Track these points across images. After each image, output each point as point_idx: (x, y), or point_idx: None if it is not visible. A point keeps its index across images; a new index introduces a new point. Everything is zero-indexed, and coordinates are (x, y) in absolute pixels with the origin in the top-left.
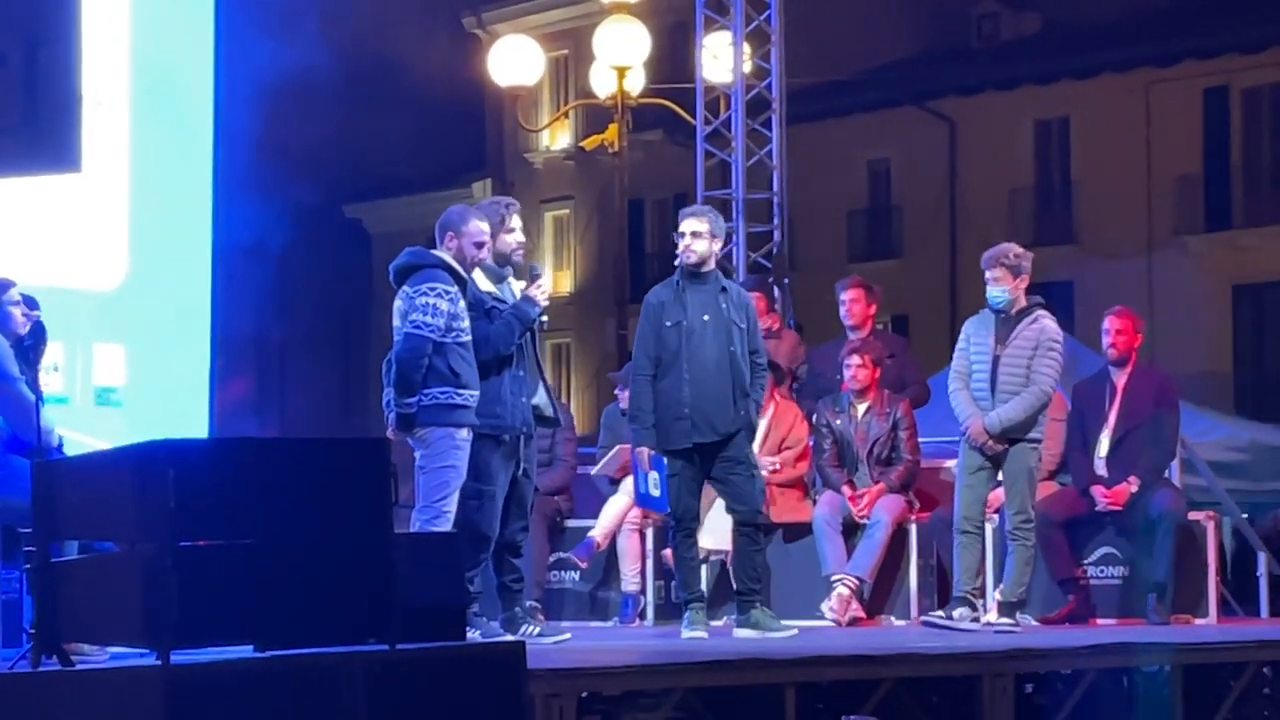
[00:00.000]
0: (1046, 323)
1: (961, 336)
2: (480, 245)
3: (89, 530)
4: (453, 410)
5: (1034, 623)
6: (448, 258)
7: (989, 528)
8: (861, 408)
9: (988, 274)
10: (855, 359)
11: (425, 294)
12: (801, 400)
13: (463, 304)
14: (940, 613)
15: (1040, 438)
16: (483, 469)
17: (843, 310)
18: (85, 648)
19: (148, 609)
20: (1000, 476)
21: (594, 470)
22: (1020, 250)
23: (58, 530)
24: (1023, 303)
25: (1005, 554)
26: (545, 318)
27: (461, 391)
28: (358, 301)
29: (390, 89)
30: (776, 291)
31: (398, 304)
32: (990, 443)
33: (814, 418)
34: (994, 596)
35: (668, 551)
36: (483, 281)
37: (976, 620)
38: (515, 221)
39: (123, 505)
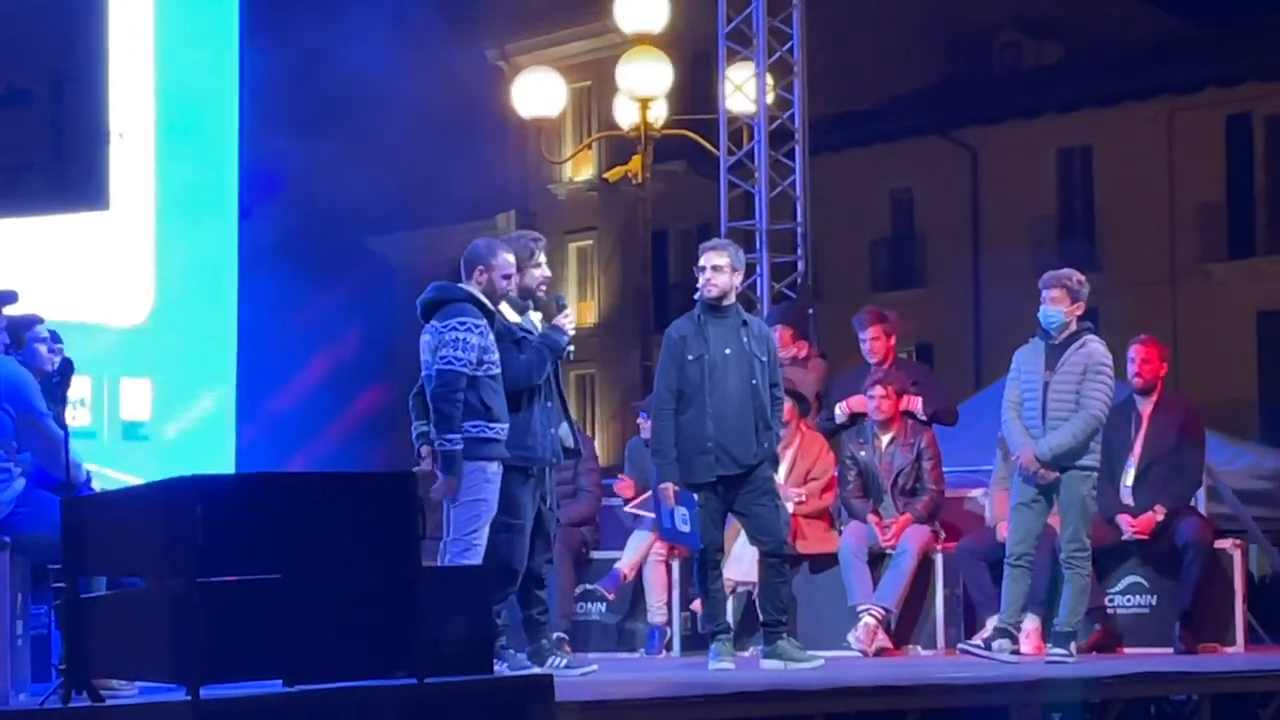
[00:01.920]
0: (1095, 346)
1: (1013, 367)
2: (509, 278)
3: (118, 566)
4: (484, 444)
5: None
6: (475, 291)
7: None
8: (885, 439)
9: (1045, 293)
10: (879, 390)
11: (455, 329)
12: (818, 424)
13: (491, 337)
14: (978, 642)
15: (1094, 465)
16: (511, 502)
17: (864, 348)
18: (115, 683)
19: (176, 644)
20: (1054, 508)
21: (629, 507)
22: (1082, 277)
23: (86, 566)
24: (1074, 328)
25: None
26: (572, 347)
27: (493, 425)
28: (382, 334)
29: (414, 121)
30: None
31: (426, 339)
32: (1042, 471)
33: (842, 449)
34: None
35: (696, 603)
36: (509, 313)
37: (1016, 653)
38: (542, 257)
39: (151, 541)
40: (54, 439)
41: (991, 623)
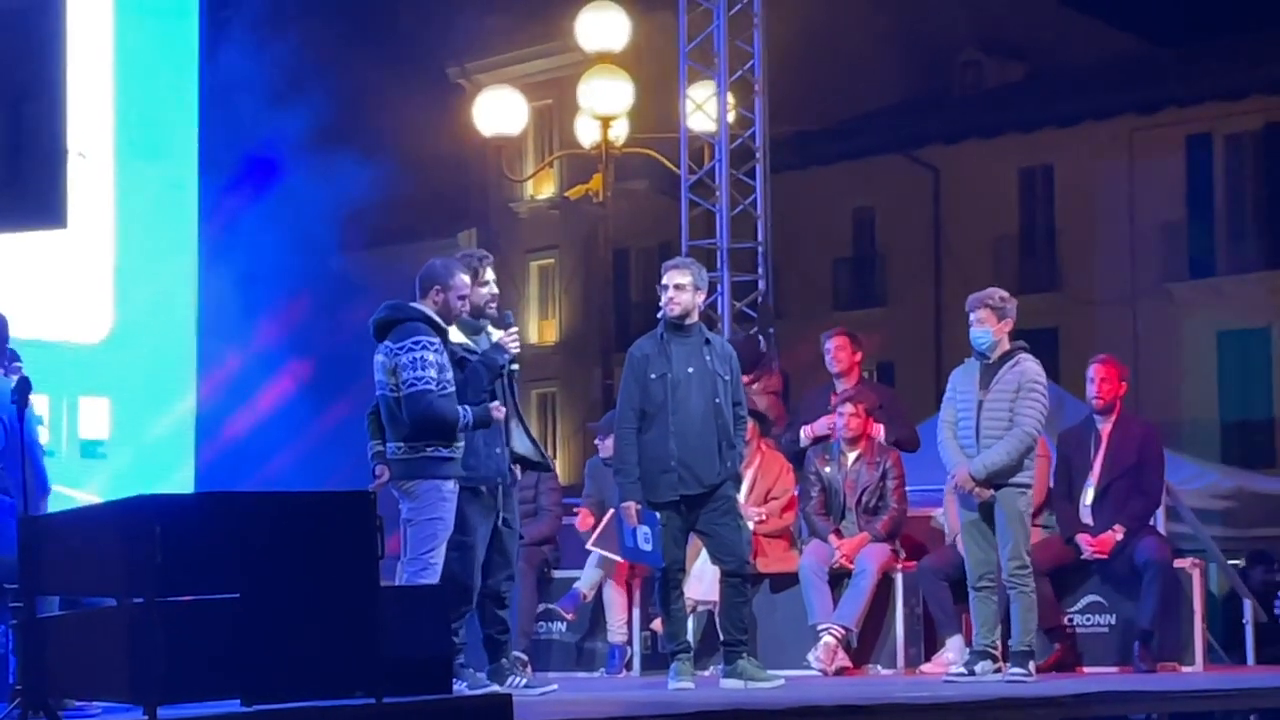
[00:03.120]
0: (1028, 365)
1: (948, 386)
2: (464, 298)
3: (75, 585)
4: (440, 463)
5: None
6: (429, 311)
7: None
8: (852, 456)
9: (972, 315)
10: (848, 408)
11: (410, 349)
12: (781, 445)
13: (446, 356)
14: (962, 669)
15: (1029, 482)
16: (460, 520)
17: (828, 358)
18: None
19: (134, 664)
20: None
21: (589, 544)
22: (1006, 294)
23: (44, 585)
24: (1006, 346)
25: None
26: (516, 366)
27: (448, 444)
28: (342, 352)
29: (375, 139)
30: (761, 341)
31: (379, 358)
32: (977, 489)
33: (804, 463)
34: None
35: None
36: (455, 333)
37: (999, 672)
38: (489, 274)
39: (109, 560)
40: (43, 477)
41: (951, 642)
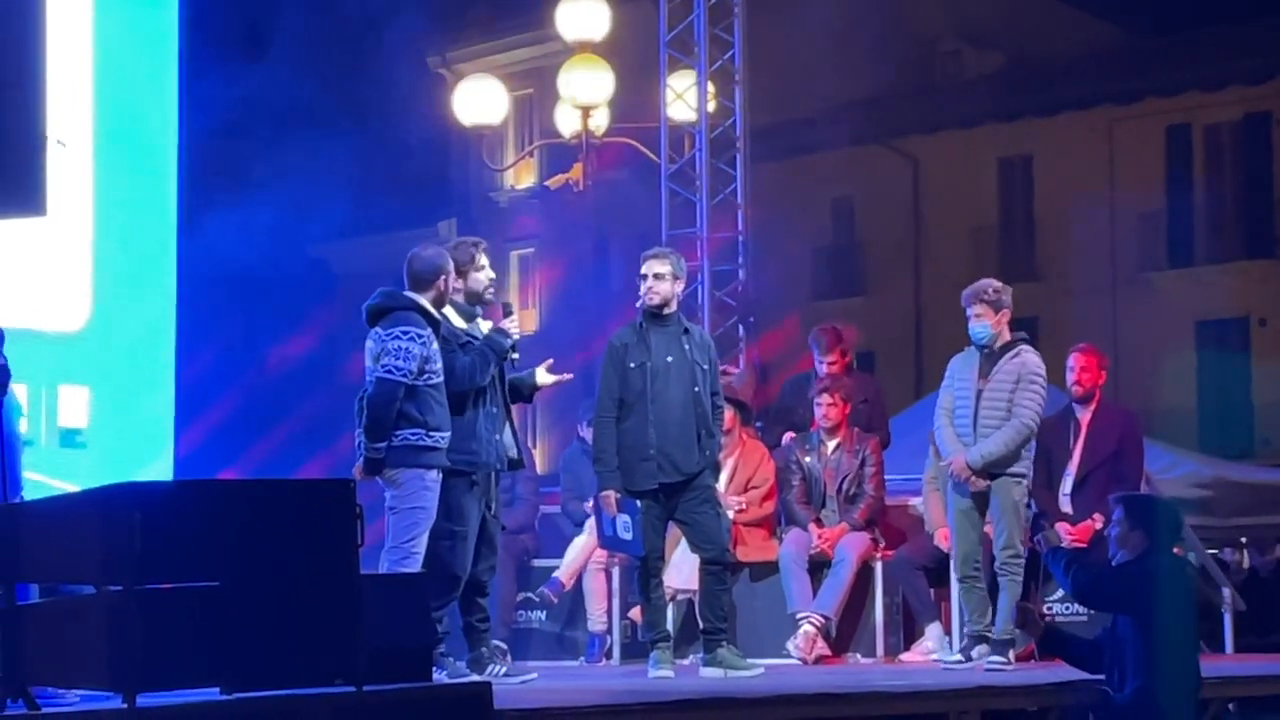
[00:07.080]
0: (1028, 356)
1: (947, 373)
2: (458, 287)
3: (54, 573)
4: (423, 452)
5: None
6: (422, 300)
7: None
8: (831, 444)
9: (969, 311)
10: (826, 397)
11: (398, 337)
12: (769, 431)
13: (435, 346)
14: (959, 655)
15: (1025, 472)
16: (455, 509)
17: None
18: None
19: (113, 652)
20: (988, 514)
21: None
22: (999, 285)
23: (23, 573)
24: (1006, 337)
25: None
26: (516, 354)
27: (432, 434)
28: (322, 341)
29: (355, 129)
30: (741, 330)
31: (369, 344)
32: (973, 478)
33: (787, 453)
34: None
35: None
36: (455, 319)
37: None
38: (484, 259)
39: (88, 548)
40: (15, 472)
41: (930, 630)
